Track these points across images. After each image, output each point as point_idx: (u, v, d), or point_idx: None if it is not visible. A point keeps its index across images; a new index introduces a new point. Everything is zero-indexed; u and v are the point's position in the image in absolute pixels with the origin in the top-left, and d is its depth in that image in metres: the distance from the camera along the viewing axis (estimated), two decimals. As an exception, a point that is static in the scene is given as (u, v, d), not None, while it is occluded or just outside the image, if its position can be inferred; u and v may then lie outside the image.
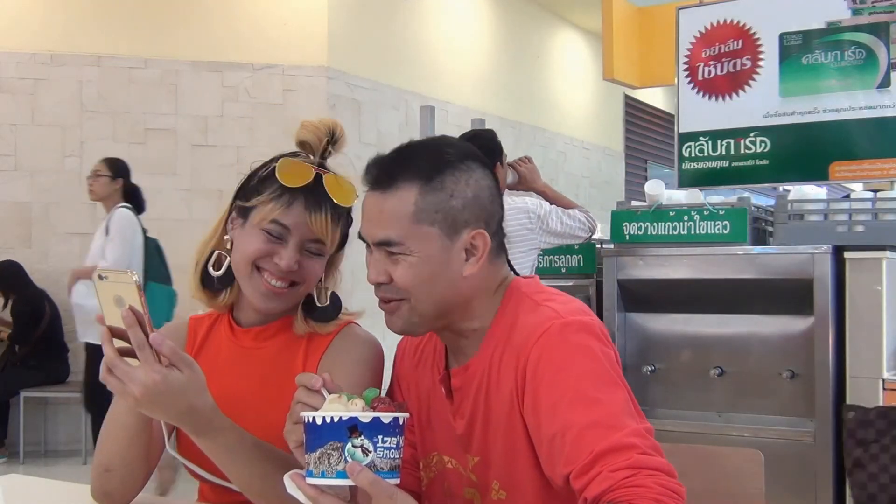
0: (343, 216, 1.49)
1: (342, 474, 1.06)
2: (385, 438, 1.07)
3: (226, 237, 1.51)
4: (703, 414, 3.21)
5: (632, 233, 3.33)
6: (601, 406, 1.17)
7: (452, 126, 6.30)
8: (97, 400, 4.83)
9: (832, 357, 2.91)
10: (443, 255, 1.27)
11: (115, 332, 1.20)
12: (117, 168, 5.08)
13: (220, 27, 6.23)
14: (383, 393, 1.16)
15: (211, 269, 1.51)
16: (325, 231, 1.45)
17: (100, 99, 6.12)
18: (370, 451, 1.07)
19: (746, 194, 3.51)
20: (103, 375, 1.21)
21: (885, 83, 3.15)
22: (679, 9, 3.63)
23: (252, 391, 1.49)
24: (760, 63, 3.41)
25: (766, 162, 3.39)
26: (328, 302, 1.53)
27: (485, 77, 8.04)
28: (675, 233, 3.27)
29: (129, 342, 1.19)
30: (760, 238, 3.25)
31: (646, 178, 9.55)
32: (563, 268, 3.85)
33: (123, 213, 4.97)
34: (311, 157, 1.50)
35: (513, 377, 1.26)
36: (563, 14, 9.24)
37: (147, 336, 1.18)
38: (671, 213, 3.28)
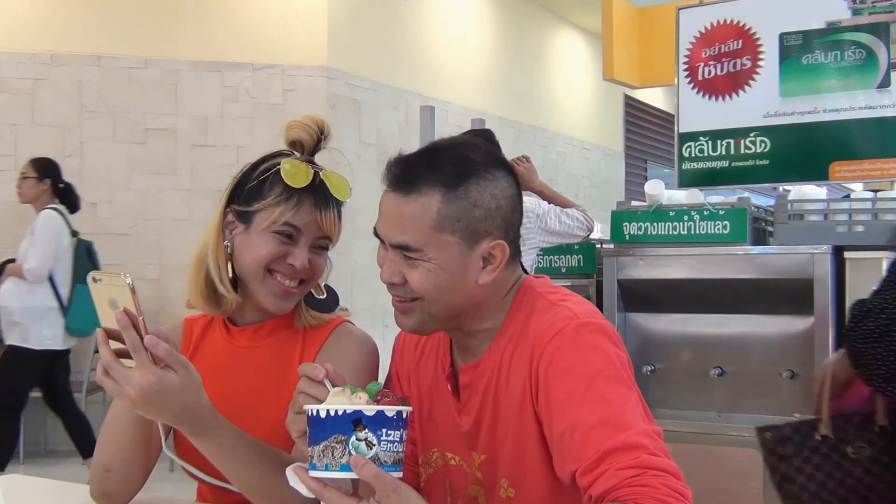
0: (341, 210, 1.51)
1: (346, 467, 1.07)
2: (389, 432, 1.08)
3: (224, 243, 1.50)
4: (703, 414, 3.21)
5: (632, 233, 3.33)
6: (611, 405, 1.17)
7: (452, 126, 6.29)
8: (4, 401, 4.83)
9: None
10: (460, 262, 1.27)
11: (110, 334, 1.21)
12: (44, 169, 5.02)
13: (220, 27, 6.23)
14: None
15: (216, 279, 1.49)
16: (333, 228, 1.47)
17: (100, 99, 6.12)
18: (374, 445, 1.07)
19: (746, 194, 3.51)
20: (99, 377, 1.21)
21: (885, 83, 3.15)
22: (679, 9, 3.63)
23: (249, 391, 1.50)
24: (760, 63, 3.40)
25: (766, 162, 3.39)
26: (324, 294, 1.54)
27: (485, 77, 8.04)
28: (675, 233, 3.26)
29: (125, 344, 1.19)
30: (760, 238, 3.25)
31: (646, 178, 9.55)
32: (563, 268, 3.85)
33: (48, 214, 4.92)
34: (301, 154, 1.50)
35: (525, 375, 1.26)
36: (563, 14, 9.24)
37: (142, 338, 1.18)
38: (671, 213, 3.28)
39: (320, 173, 1.47)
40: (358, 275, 5.76)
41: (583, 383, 1.19)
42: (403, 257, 1.27)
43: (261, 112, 6.19)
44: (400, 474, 1.09)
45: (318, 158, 1.53)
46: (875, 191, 3.41)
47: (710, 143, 3.49)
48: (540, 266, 3.81)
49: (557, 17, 9.22)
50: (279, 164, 1.47)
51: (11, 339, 4.88)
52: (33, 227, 4.90)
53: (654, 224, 3.29)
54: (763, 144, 3.39)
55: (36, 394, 5.03)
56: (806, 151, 3.33)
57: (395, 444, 1.09)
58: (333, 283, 1.61)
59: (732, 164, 3.45)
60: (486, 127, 4.15)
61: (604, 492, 1.10)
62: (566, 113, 9.36)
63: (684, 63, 3.57)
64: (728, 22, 3.49)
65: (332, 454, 1.07)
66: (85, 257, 5.02)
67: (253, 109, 6.20)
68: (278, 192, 1.45)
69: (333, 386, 1.16)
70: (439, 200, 1.25)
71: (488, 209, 1.27)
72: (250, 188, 1.48)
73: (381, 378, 1.50)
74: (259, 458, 1.30)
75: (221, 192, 1.54)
